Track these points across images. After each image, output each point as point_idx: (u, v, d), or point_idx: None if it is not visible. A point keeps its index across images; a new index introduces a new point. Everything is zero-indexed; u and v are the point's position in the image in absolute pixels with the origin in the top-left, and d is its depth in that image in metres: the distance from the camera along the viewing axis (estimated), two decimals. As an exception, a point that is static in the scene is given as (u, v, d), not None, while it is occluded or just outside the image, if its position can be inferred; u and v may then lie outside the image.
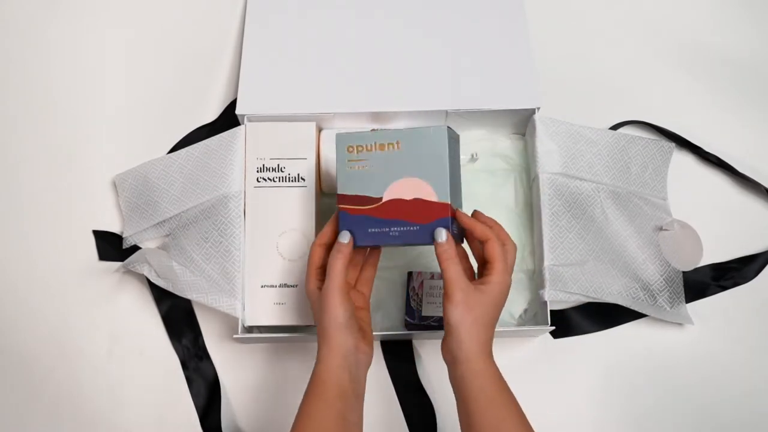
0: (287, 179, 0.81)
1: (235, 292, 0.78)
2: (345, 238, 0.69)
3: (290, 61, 0.85)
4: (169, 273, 0.80)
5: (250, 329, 0.79)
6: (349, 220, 0.70)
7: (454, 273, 0.66)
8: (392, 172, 0.69)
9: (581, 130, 0.84)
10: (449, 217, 0.67)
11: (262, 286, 0.79)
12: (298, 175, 0.81)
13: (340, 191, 0.71)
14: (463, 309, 0.65)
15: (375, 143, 0.70)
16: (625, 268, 0.83)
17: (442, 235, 0.67)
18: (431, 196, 0.68)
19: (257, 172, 0.81)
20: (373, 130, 0.82)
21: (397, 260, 0.84)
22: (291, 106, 0.82)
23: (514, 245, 0.70)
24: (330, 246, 0.71)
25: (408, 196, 0.69)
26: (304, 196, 0.81)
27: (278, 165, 0.81)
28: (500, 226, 0.71)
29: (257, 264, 0.79)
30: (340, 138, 0.71)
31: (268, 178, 0.81)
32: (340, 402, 0.65)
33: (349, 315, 0.67)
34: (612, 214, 0.83)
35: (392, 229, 0.69)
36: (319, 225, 0.84)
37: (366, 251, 0.74)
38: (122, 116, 0.92)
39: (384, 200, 0.69)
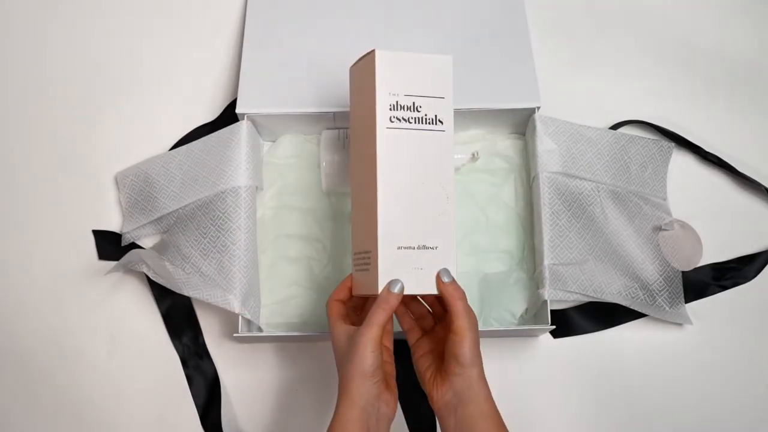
0: (423, 121, 0.68)
1: (231, 287, 0.77)
2: (396, 288, 0.65)
3: (290, 60, 0.85)
4: (164, 271, 0.80)
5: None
6: None
7: (466, 310, 0.65)
8: None
9: (581, 129, 0.84)
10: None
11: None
12: (435, 116, 0.68)
13: None
14: (476, 348, 0.64)
15: None
16: (625, 267, 0.83)
17: (450, 274, 0.66)
18: None
19: (390, 110, 0.67)
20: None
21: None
22: (291, 105, 0.82)
23: None
24: (345, 302, 0.70)
25: None
26: (442, 143, 0.68)
27: (413, 103, 0.68)
28: None
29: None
30: None
31: (403, 118, 0.67)
32: None
33: (377, 364, 0.63)
34: (612, 213, 0.83)
35: None
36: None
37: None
38: (122, 116, 0.92)
39: None
